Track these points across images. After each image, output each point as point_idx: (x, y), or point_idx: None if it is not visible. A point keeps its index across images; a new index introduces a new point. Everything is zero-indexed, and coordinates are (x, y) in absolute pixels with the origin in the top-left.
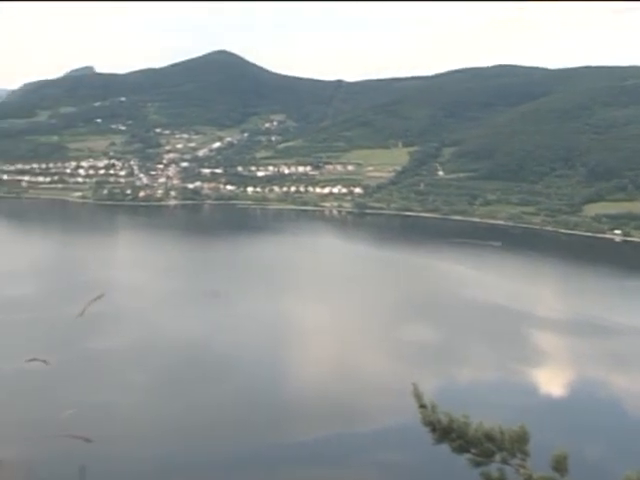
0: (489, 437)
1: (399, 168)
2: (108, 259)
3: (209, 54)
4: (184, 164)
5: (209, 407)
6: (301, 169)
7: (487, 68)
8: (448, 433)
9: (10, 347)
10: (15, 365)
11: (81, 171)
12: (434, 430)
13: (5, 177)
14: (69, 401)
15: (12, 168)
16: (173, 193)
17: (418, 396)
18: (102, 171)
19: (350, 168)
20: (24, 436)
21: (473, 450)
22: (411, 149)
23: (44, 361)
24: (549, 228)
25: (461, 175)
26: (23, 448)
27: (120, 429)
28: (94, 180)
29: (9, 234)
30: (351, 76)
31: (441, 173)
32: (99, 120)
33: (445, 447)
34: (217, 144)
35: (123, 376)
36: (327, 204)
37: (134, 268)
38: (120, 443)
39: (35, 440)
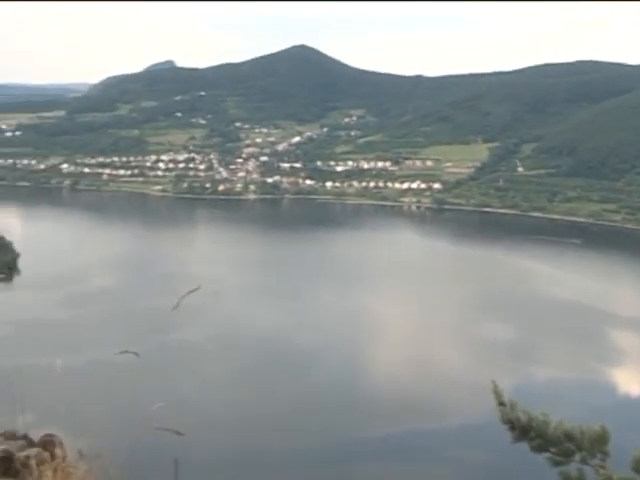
0: (569, 436)
1: (478, 164)
2: (188, 252)
3: (289, 49)
4: (263, 158)
5: (289, 401)
6: (380, 164)
7: (568, 64)
8: (527, 431)
9: (98, 338)
10: (104, 357)
11: (161, 165)
12: (513, 428)
13: (86, 170)
14: (158, 393)
15: (93, 161)
16: (252, 187)
17: (497, 393)
18: (182, 165)
19: (429, 164)
20: (117, 428)
21: (552, 449)
22: (491, 145)
23: (135, 353)
24: (630, 226)
25: (541, 171)
26: (117, 441)
27: (207, 422)
28: (174, 174)
29: (91, 227)
30: (431, 71)
31: (521, 169)
32: (179, 114)
33: (523, 445)
34: (297, 138)
35: (207, 368)
36: (406, 199)
37: (214, 262)
38: (208, 436)
39: (128, 433)
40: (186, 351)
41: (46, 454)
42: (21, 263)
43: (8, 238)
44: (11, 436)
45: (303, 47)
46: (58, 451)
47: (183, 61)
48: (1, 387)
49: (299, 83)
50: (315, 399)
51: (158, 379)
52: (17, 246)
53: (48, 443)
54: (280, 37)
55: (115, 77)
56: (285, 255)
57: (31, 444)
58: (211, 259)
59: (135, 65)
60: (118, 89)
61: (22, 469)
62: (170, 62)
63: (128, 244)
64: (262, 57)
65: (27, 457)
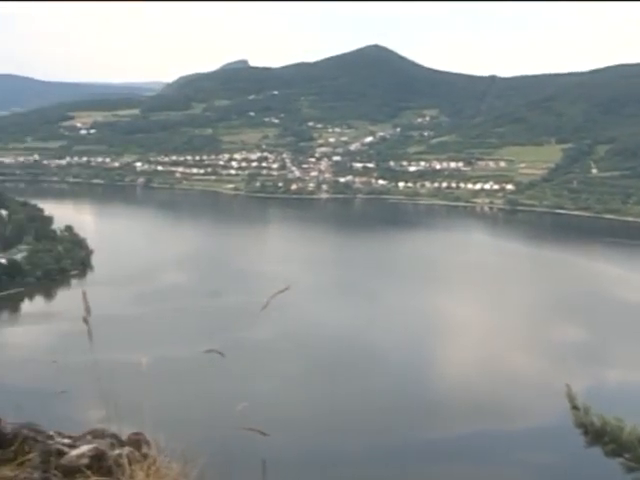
0: None
1: (552, 165)
2: (260, 251)
3: (362, 48)
4: (336, 158)
5: (361, 400)
6: (453, 165)
7: None
8: (601, 436)
9: (172, 336)
10: (181, 354)
11: (234, 163)
12: (586, 432)
13: (160, 168)
14: (238, 391)
15: (167, 159)
16: (325, 187)
17: (571, 397)
18: (255, 164)
19: (502, 164)
20: (203, 428)
21: (626, 455)
22: (564, 146)
23: (220, 353)
24: None
25: (615, 173)
26: (204, 441)
27: (286, 421)
28: (246, 172)
29: (164, 224)
30: (505, 71)
31: (595, 171)
32: (252, 113)
33: (595, 450)
34: (369, 138)
35: (282, 367)
36: (478, 200)
37: (286, 260)
38: (289, 435)
39: (214, 432)
40: (261, 349)
41: (137, 453)
42: (94, 259)
43: (82, 235)
44: (100, 434)
45: (377, 47)
46: (146, 450)
47: (257, 60)
48: (87, 384)
49: (372, 83)
50: (387, 398)
51: (236, 377)
52: (91, 243)
53: (136, 442)
54: (354, 37)
55: (189, 76)
56: (357, 255)
57: (120, 442)
58: (283, 258)
59: (209, 64)
60: (192, 88)
61: (115, 468)
62: (244, 61)
63: (201, 242)
64: (336, 57)
65: (119, 456)
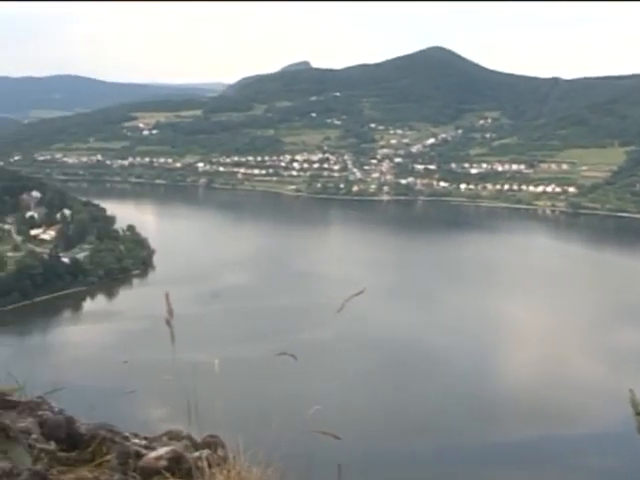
0: None
1: (615, 168)
2: (321, 252)
3: (425, 50)
4: (398, 160)
5: (424, 402)
6: (515, 167)
7: None
8: None
9: (235, 336)
10: (245, 355)
11: (295, 164)
12: None
13: (222, 169)
14: (307, 393)
15: (228, 160)
16: (386, 188)
17: (635, 402)
18: (316, 165)
19: (564, 167)
20: (276, 431)
21: None
22: (627, 149)
23: (293, 355)
24: None
25: None
26: (278, 444)
27: (354, 423)
28: (308, 174)
29: (226, 225)
30: (568, 73)
31: None
32: (314, 114)
33: None
34: (431, 140)
35: (346, 369)
36: (540, 203)
37: (346, 262)
38: (359, 438)
39: (287, 436)
40: (323, 350)
41: (216, 456)
42: (156, 259)
43: (144, 234)
44: (175, 436)
45: (439, 48)
46: (222, 453)
47: (319, 62)
48: (158, 385)
49: (435, 84)
50: (449, 400)
51: (301, 378)
52: (152, 242)
53: (212, 444)
54: (417, 38)
55: (251, 77)
56: (418, 257)
57: (195, 445)
58: (344, 259)
59: (271, 65)
60: (254, 89)
61: (195, 471)
62: (306, 63)
63: (262, 242)
64: (398, 58)
65: (198, 458)
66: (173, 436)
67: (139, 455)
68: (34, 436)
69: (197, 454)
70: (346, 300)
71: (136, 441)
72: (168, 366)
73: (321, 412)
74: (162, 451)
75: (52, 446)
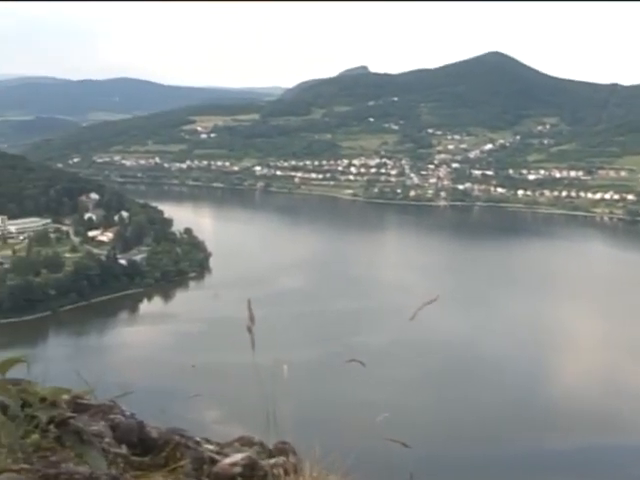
0: None
1: None
2: (377, 257)
3: (482, 55)
4: (455, 165)
5: (479, 409)
6: (573, 174)
7: None
8: None
9: (291, 340)
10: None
11: (352, 169)
12: None
13: (279, 173)
14: (378, 402)
15: (286, 164)
16: (443, 194)
17: None
18: (373, 170)
19: (623, 174)
20: (345, 438)
21: None
22: None
23: (361, 362)
24: None
25: None
26: (349, 452)
27: (419, 430)
28: (365, 178)
29: (282, 228)
30: (627, 79)
31: None
32: (372, 119)
33: None
34: (489, 146)
35: (404, 374)
36: (598, 210)
37: (402, 267)
38: (425, 445)
39: (357, 443)
40: (380, 355)
41: (290, 463)
42: (212, 262)
43: (200, 237)
44: (247, 442)
45: (497, 54)
46: (293, 460)
47: (377, 67)
48: (223, 389)
49: (492, 90)
50: (505, 407)
51: (360, 383)
52: (209, 245)
53: (283, 451)
54: (475, 43)
55: (309, 82)
56: (474, 262)
57: (267, 452)
58: (399, 264)
59: (329, 70)
60: (312, 93)
61: (271, 478)
62: (364, 67)
63: (318, 246)
64: (456, 63)
65: (274, 465)
66: (245, 442)
67: (213, 461)
68: (107, 440)
69: (272, 461)
70: (419, 308)
71: (208, 446)
72: (229, 370)
73: (376, 415)
74: (237, 457)
75: (124, 450)
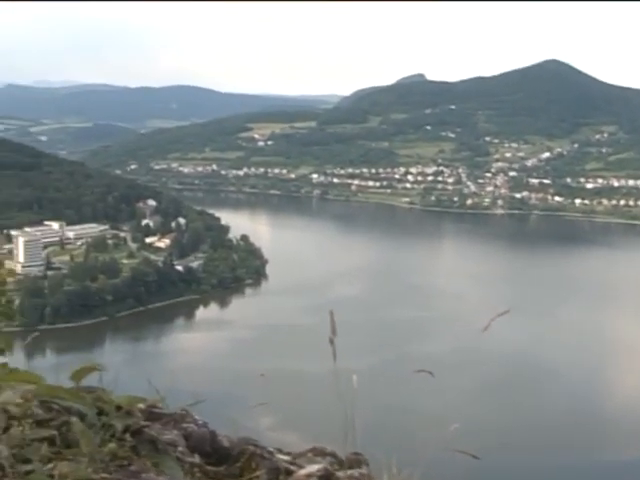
0: None
1: None
2: (433, 265)
3: (540, 63)
4: (512, 173)
5: (539, 418)
6: (631, 182)
7: None
8: None
9: (356, 347)
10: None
11: (409, 177)
12: None
13: (335, 180)
14: (444, 411)
15: (342, 172)
16: (500, 202)
17: None
18: (430, 178)
19: None
20: (416, 449)
21: None
22: None
23: (430, 372)
24: None
25: None
26: (422, 465)
27: (489, 440)
28: (422, 186)
29: (338, 236)
30: None
31: None
32: (428, 127)
33: None
34: (546, 154)
35: (465, 383)
36: None
37: (458, 275)
38: (491, 456)
39: (429, 455)
40: (440, 364)
41: (366, 475)
42: (269, 269)
43: (257, 244)
44: (320, 452)
45: (555, 61)
46: (366, 471)
47: (434, 74)
48: (287, 397)
49: (550, 98)
50: (564, 416)
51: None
52: (265, 252)
53: (356, 462)
54: (532, 51)
55: (366, 89)
56: (532, 271)
57: (340, 462)
58: (455, 273)
59: (386, 78)
60: (369, 101)
61: None
62: (421, 75)
63: (374, 254)
64: (513, 71)
65: (349, 477)
66: (317, 452)
67: (289, 472)
68: (180, 449)
69: (348, 472)
70: (491, 319)
71: (281, 457)
72: (288, 378)
73: (446, 425)
74: (313, 468)
75: (197, 460)
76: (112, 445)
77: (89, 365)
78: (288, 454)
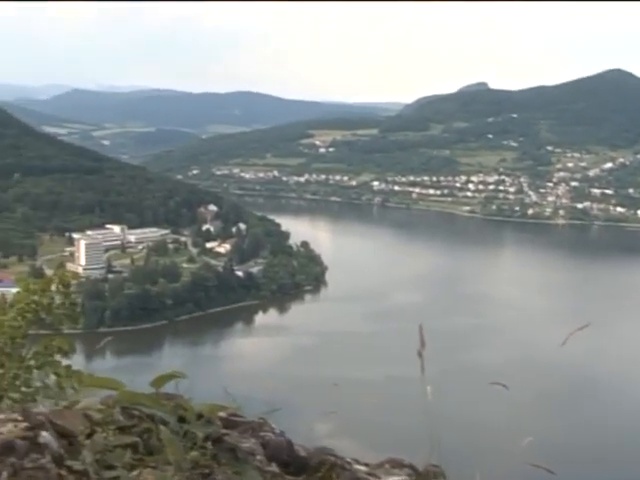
0: None
1: None
2: (493, 274)
3: (602, 73)
4: (574, 183)
5: (601, 434)
6: None
7: None
8: None
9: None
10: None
11: (471, 185)
12: None
13: (396, 188)
14: (524, 426)
15: (404, 180)
16: (561, 212)
17: None
18: (491, 186)
19: None
20: (489, 463)
21: None
22: None
23: (504, 385)
24: None
25: None
26: (496, 477)
27: (561, 456)
28: (483, 195)
29: (399, 244)
30: None
31: None
32: (490, 136)
33: None
34: (608, 164)
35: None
36: None
37: (517, 284)
38: (569, 472)
39: (503, 467)
40: (492, 374)
41: None
42: (328, 276)
43: (317, 251)
44: (397, 464)
45: (619, 71)
46: None
47: (496, 83)
48: (355, 406)
49: (613, 108)
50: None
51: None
52: (325, 259)
53: (434, 474)
54: (595, 60)
55: (428, 97)
56: (592, 282)
57: (418, 475)
58: (514, 282)
59: (448, 86)
60: (431, 109)
61: None
62: (483, 84)
63: (434, 262)
64: (576, 80)
65: None
66: (395, 464)
67: None
68: (258, 457)
69: None
70: (570, 334)
71: (360, 467)
72: (351, 386)
73: (519, 439)
74: None
75: (276, 469)
76: (194, 453)
77: (171, 373)
78: (366, 465)
